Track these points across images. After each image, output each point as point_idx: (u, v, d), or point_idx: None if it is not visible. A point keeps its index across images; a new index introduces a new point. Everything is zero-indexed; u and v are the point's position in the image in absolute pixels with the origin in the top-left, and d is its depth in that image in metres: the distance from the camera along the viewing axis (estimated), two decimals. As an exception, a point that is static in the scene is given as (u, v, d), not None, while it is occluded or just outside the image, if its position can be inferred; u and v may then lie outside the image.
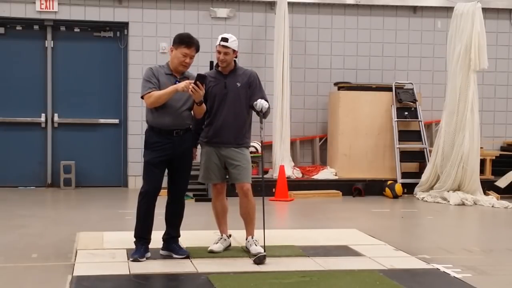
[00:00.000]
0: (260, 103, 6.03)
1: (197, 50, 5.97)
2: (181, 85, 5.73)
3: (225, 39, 6.05)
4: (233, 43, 6.07)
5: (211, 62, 10.05)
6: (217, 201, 6.33)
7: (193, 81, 5.72)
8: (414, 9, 12.23)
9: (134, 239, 5.99)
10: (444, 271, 5.78)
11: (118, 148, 11.64)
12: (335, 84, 11.79)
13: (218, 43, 6.07)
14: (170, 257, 6.01)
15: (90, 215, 8.76)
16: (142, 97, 5.90)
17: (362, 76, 12.08)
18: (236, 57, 6.17)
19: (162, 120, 5.86)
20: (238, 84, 6.12)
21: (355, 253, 6.42)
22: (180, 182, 6.06)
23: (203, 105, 5.93)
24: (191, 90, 5.70)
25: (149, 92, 5.81)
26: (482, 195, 10.44)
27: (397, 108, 11.48)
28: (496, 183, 10.89)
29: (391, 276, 5.52)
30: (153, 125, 5.92)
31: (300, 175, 11.34)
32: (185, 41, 5.90)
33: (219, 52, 6.07)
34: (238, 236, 6.52)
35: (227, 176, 6.23)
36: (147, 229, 5.96)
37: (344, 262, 6.04)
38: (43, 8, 11.13)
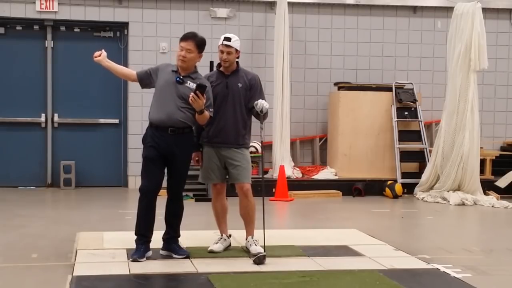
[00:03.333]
0: (261, 103, 6.05)
1: (198, 45, 5.93)
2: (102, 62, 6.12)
3: (227, 39, 6.08)
4: (235, 42, 6.10)
5: (211, 62, 10.05)
6: (217, 201, 6.33)
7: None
8: (414, 9, 12.23)
9: (135, 237, 5.99)
10: (444, 271, 5.78)
11: (118, 148, 11.63)
12: (335, 84, 11.79)
13: (220, 42, 6.10)
14: (170, 257, 6.01)
15: (90, 215, 8.76)
16: None
17: (362, 76, 12.08)
18: (238, 57, 6.19)
19: (157, 116, 5.89)
20: (240, 85, 6.14)
21: (355, 253, 6.42)
22: (178, 183, 6.05)
23: (206, 113, 5.88)
24: (191, 100, 5.76)
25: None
26: (482, 195, 10.44)
27: (397, 108, 11.48)
28: (496, 183, 10.89)
29: (391, 276, 5.52)
30: (150, 120, 5.98)
31: (300, 175, 11.34)
32: (183, 36, 5.97)
33: (222, 52, 6.09)
34: (238, 236, 6.52)
35: (227, 176, 6.24)
36: (147, 226, 5.96)
37: (344, 262, 6.04)
38: (43, 8, 11.13)
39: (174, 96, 5.87)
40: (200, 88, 5.77)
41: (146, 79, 6.06)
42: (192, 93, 5.76)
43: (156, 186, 5.94)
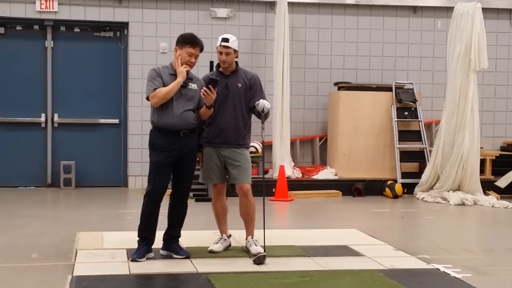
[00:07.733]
0: (262, 103, 6.06)
1: (201, 49, 6.00)
2: (180, 78, 5.77)
3: (225, 40, 6.07)
4: (233, 43, 6.10)
5: (211, 62, 10.05)
6: (217, 201, 6.33)
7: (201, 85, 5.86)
8: (414, 9, 12.23)
9: (138, 239, 5.99)
10: (444, 271, 5.78)
11: (118, 148, 11.63)
12: (335, 84, 11.79)
13: (219, 43, 6.09)
14: (170, 257, 6.01)
15: (90, 215, 8.75)
16: (147, 99, 5.92)
17: (362, 76, 12.08)
18: (237, 57, 6.19)
19: (170, 121, 5.86)
20: (239, 85, 6.15)
21: (355, 253, 6.42)
22: (186, 183, 6.07)
23: (212, 108, 5.97)
24: (203, 94, 5.81)
25: (153, 92, 5.82)
26: (482, 195, 10.43)
27: (397, 108, 11.48)
28: (496, 183, 10.89)
29: (391, 276, 5.52)
30: (160, 125, 5.91)
31: (300, 175, 11.34)
32: (190, 41, 5.93)
33: (220, 53, 6.09)
34: (238, 236, 6.52)
35: (227, 176, 6.24)
36: (151, 229, 5.97)
37: (344, 262, 6.04)
38: (43, 8, 11.13)
39: (182, 100, 5.88)
40: (212, 82, 5.84)
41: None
42: (204, 87, 5.83)
43: (165, 191, 5.97)
